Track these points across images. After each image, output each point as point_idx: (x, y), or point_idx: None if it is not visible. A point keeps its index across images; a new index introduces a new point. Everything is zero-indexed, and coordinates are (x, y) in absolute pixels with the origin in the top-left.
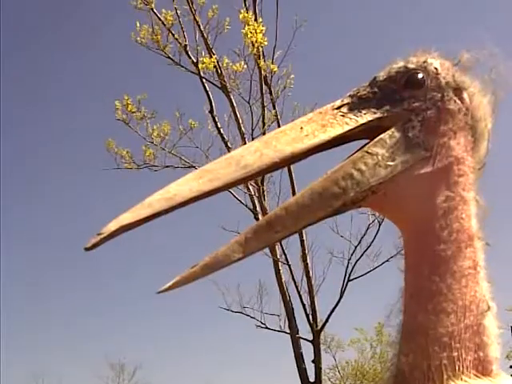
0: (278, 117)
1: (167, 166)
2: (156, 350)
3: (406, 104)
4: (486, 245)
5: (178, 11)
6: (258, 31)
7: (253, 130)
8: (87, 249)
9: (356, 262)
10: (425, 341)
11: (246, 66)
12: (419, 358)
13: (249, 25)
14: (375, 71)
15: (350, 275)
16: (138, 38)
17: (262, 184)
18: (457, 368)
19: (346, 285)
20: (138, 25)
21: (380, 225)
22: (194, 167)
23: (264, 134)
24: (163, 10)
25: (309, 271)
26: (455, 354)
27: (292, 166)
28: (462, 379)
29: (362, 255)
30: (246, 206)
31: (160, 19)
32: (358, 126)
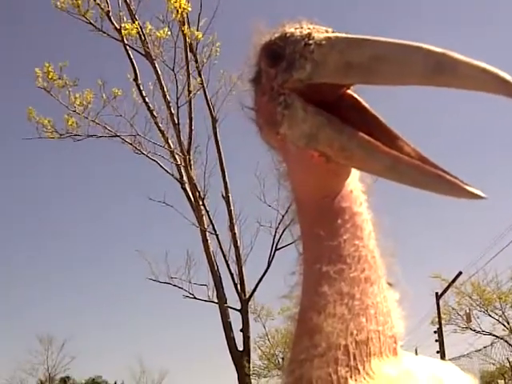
0: (204, 85)
1: (91, 136)
2: (85, 322)
3: None
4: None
5: None
6: None
7: (178, 98)
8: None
9: (283, 231)
10: (349, 313)
11: (170, 33)
12: (343, 333)
13: None
14: None
15: (277, 244)
16: (58, 3)
17: (189, 154)
18: (381, 344)
19: (274, 254)
20: None
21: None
22: (119, 136)
23: (190, 102)
24: None
25: (236, 241)
26: (380, 328)
27: (219, 136)
28: (384, 357)
29: (289, 224)
30: (173, 175)
31: None
32: None
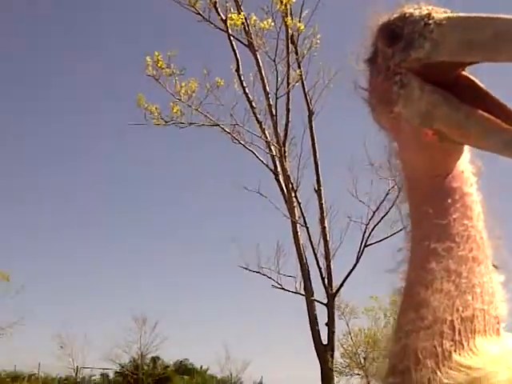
0: (303, 77)
1: (193, 124)
2: (177, 305)
3: None
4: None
5: None
6: None
7: (277, 89)
8: None
9: (374, 228)
10: (456, 289)
11: (273, 24)
12: (449, 309)
13: None
14: None
15: (366, 241)
16: None
17: (284, 145)
18: (486, 322)
19: (363, 250)
20: None
21: (400, 190)
22: (218, 125)
23: (288, 94)
24: None
25: (326, 234)
26: (485, 307)
27: (314, 128)
28: (488, 336)
29: (379, 221)
30: (268, 166)
31: None
32: None
